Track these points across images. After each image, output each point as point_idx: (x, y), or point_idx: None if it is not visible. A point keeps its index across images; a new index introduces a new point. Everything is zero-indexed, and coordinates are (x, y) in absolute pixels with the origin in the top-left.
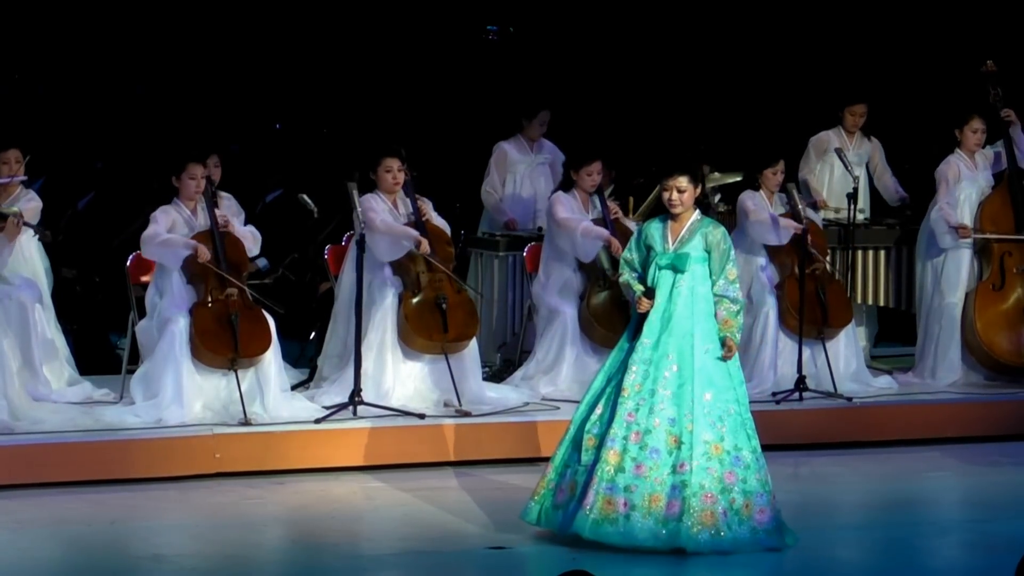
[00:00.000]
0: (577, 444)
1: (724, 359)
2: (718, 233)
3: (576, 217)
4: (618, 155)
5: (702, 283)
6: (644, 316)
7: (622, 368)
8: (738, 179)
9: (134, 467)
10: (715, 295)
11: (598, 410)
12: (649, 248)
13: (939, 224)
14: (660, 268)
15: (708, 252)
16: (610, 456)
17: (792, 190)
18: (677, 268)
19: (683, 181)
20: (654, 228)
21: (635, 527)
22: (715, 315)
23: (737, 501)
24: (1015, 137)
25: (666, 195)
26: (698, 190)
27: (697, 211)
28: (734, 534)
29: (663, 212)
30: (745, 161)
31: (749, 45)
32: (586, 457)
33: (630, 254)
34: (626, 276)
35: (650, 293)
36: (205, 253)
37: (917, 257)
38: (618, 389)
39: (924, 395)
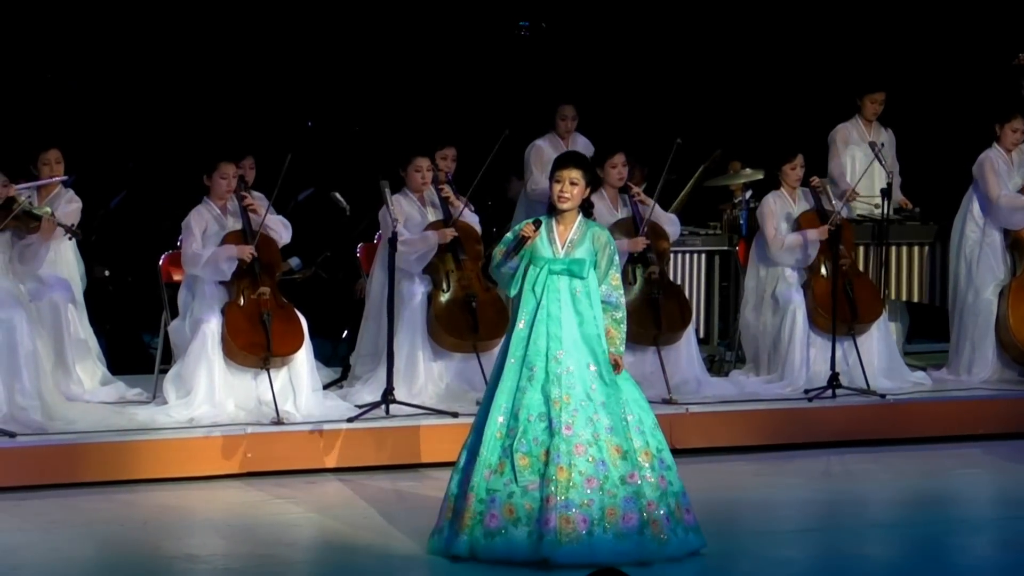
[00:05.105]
0: (498, 467)
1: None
2: (604, 236)
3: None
4: (648, 152)
5: (597, 286)
6: (535, 316)
7: (546, 382)
8: (761, 177)
9: (167, 467)
10: (599, 301)
11: (516, 425)
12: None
13: (1008, 212)
14: (552, 273)
15: (596, 255)
16: (558, 474)
17: (826, 186)
18: (575, 274)
19: (577, 174)
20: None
21: (597, 543)
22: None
23: (671, 504)
24: None
25: (557, 187)
26: (587, 191)
27: (580, 214)
28: (679, 539)
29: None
30: (765, 158)
31: (776, 39)
32: (522, 479)
33: (504, 246)
34: (496, 249)
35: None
36: (247, 253)
37: (951, 253)
38: (547, 402)
39: (957, 392)
